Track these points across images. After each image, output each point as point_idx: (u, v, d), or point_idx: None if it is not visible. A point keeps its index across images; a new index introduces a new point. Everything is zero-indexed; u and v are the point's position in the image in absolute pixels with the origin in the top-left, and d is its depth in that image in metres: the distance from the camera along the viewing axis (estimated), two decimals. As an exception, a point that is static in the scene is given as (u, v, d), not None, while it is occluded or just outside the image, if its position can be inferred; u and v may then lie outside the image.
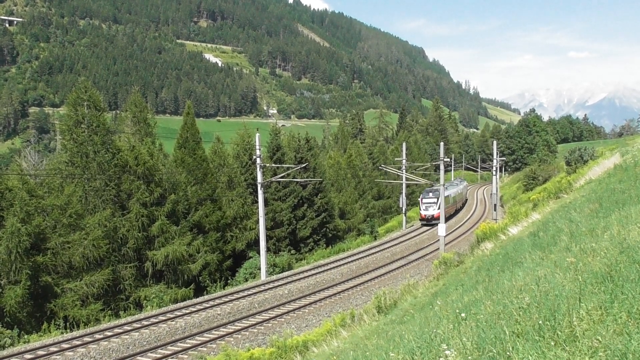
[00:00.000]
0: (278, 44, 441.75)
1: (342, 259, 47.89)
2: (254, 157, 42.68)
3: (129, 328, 27.15)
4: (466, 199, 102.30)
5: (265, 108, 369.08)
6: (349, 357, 12.17)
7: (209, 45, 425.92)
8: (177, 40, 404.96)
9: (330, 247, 55.74)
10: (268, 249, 45.39)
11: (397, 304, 22.46)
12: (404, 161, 68.59)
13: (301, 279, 39.63)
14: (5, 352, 23.72)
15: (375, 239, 60.99)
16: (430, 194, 68.84)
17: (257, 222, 45.16)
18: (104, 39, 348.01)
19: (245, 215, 48.69)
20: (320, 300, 33.16)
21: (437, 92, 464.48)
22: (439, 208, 63.06)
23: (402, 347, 8.34)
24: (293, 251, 52.58)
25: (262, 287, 36.54)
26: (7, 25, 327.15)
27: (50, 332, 28.53)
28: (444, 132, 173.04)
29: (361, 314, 23.27)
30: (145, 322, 28.22)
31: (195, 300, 33.87)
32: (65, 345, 24.36)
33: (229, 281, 43.75)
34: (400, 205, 67.75)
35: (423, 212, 69.02)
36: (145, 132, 45.11)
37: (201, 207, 44.51)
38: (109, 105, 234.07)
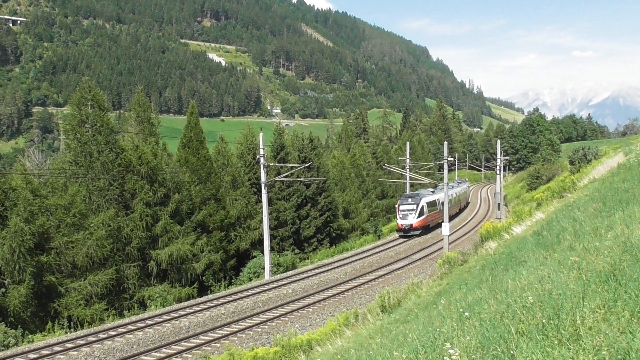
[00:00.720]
0: (282, 43, 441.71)
1: (345, 258, 47.91)
2: (258, 156, 42.72)
3: (133, 327, 27.20)
4: (468, 202, 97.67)
5: (269, 107, 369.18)
6: (352, 357, 12.17)
7: (213, 44, 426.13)
8: (181, 40, 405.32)
9: (334, 246, 55.73)
10: (272, 249, 45.41)
11: (401, 303, 22.45)
12: (407, 160, 68.60)
13: (305, 278, 39.66)
14: (9, 352, 23.78)
15: (379, 238, 61.02)
16: (409, 200, 59.92)
17: (261, 221, 45.24)
18: (107, 39, 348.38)
19: (249, 214, 48.71)
20: (324, 299, 33.18)
21: (441, 91, 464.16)
22: (419, 216, 58.29)
23: (406, 346, 8.34)
24: (297, 250, 52.58)
25: (266, 287, 36.57)
26: (10, 25, 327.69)
27: (54, 332, 28.59)
28: (447, 131, 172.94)
29: (365, 313, 23.27)
30: (149, 322, 28.27)
31: (199, 300, 33.93)
32: (69, 345, 24.42)
33: (232, 280, 43.78)
34: (404, 205, 67.70)
35: (400, 222, 59.44)
36: (149, 131, 45.13)
37: (205, 206, 44.54)
38: (112, 104, 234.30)
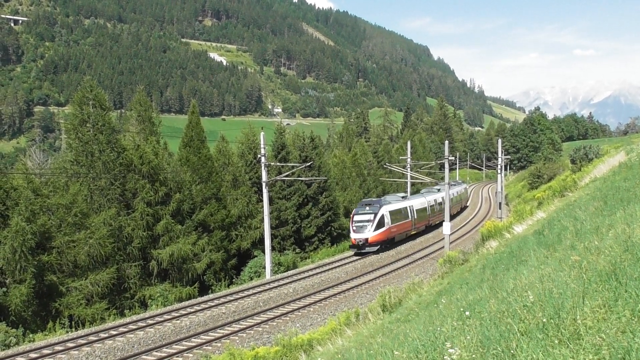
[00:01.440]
0: (283, 42, 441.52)
1: (347, 257, 47.93)
2: (259, 155, 42.73)
3: (134, 327, 27.23)
4: (465, 206, 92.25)
5: (270, 107, 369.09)
6: (353, 356, 12.17)
7: (214, 44, 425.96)
8: (182, 39, 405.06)
9: (335, 245, 55.72)
10: (273, 248, 45.41)
11: (402, 303, 22.46)
12: (408, 160, 68.57)
13: (306, 277, 39.67)
14: (10, 351, 23.81)
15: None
16: (367, 208, 49.13)
17: (262, 220, 45.25)
18: (108, 38, 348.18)
19: (250, 214, 48.72)
20: (325, 298, 33.18)
21: (442, 90, 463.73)
22: (376, 228, 47.58)
23: (406, 345, 8.34)
24: (298, 250, 52.58)
25: (267, 286, 36.58)
26: (12, 24, 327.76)
27: (56, 331, 28.62)
28: (448, 130, 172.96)
29: (366, 312, 23.27)
30: (150, 321, 28.28)
31: (200, 299, 33.95)
32: (70, 344, 24.44)
33: (233, 280, 43.80)
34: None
35: (352, 235, 48.14)
36: (150, 131, 45.13)
37: (206, 206, 44.53)
38: (114, 104, 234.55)
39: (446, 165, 45.38)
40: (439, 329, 8.43)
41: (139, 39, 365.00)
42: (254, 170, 50.59)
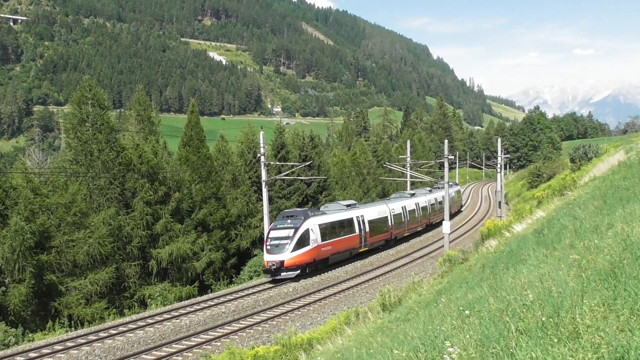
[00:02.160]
0: (282, 42, 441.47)
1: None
2: (258, 155, 42.75)
3: (134, 326, 27.21)
4: (458, 210, 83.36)
5: (269, 106, 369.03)
6: (353, 355, 12.18)
7: (213, 43, 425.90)
8: (182, 39, 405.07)
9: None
10: (272, 247, 45.32)
11: (402, 302, 22.46)
12: (408, 159, 68.64)
13: (305, 277, 39.62)
14: (9, 351, 23.81)
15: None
16: (289, 221, 38.70)
17: (262, 220, 45.28)
18: (108, 38, 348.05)
19: (249, 213, 48.72)
20: (324, 298, 33.17)
21: (442, 89, 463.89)
22: (297, 247, 37.14)
23: (406, 344, 8.34)
24: (298, 249, 52.50)
25: (267, 285, 36.55)
26: (11, 23, 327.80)
27: (55, 331, 28.59)
28: (448, 129, 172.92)
29: (366, 311, 23.27)
30: (149, 321, 28.27)
31: (199, 299, 33.94)
32: (70, 344, 24.42)
33: (233, 279, 43.78)
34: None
35: (265, 257, 37.43)
36: (149, 130, 45.13)
37: (205, 205, 44.53)
38: (113, 103, 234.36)
39: (446, 165, 45.38)
40: (438, 327, 8.43)
41: (138, 38, 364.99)
42: (254, 169, 50.60)
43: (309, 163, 53.28)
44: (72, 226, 32.90)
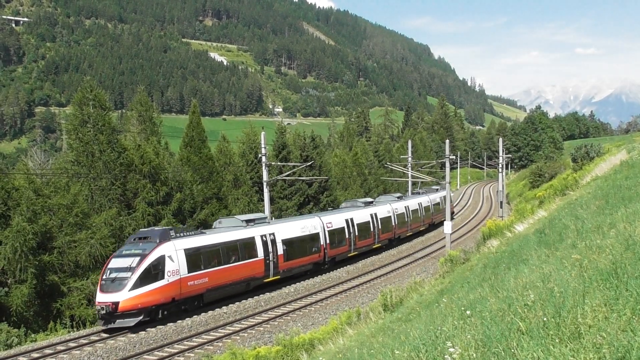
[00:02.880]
0: (283, 42, 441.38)
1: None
2: (260, 155, 42.74)
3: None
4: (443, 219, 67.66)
5: (270, 106, 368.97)
6: (355, 355, 12.18)
7: (215, 44, 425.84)
8: (183, 39, 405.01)
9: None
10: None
11: (403, 302, 22.46)
12: (409, 159, 68.53)
13: (307, 277, 39.62)
14: (12, 351, 23.83)
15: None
16: (140, 245, 28.75)
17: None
18: (109, 39, 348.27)
19: (251, 213, 48.73)
20: (326, 298, 33.22)
21: (443, 89, 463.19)
22: (139, 285, 26.81)
23: (407, 344, 8.34)
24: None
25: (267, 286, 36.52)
26: (13, 25, 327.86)
27: (57, 331, 28.62)
28: (449, 129, 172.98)
29: (367, 311, 23.28)
30: (151, 321, 28.22)
31: (201, 299, 33.83)
32: (72, 344, 24.48)
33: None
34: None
35: (98, 297, 26.93)
36: (151, 131, 45.17)
37: (207, 205, 44.55)
38: (114, 104, 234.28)
39: (447, 165, 45.40)
40: (440, 328, 8.43)
41: (139, 39, 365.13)
42: (255, 169, 50.62)
43: (310, 163, 53.28)
44: (74, 227, 32.93)
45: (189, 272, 29.11)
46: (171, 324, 27.90)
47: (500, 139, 72.48)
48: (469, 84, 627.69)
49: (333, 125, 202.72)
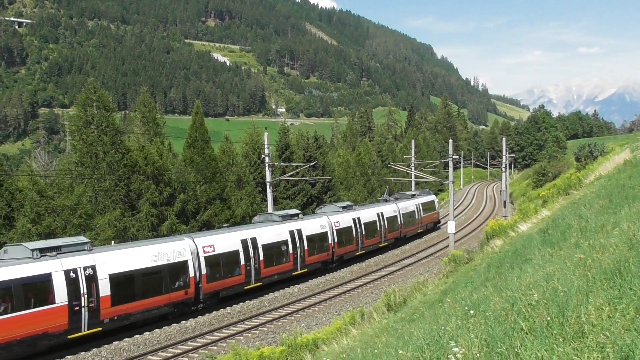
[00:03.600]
0: (286, 42, 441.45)
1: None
2: (263, 155, 42.80)
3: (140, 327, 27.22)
4: (425, 230, 61.04)
5: (273, 107, 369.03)
6: (358, 355, 12.19)
7: (217, 44, 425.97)
8: (185, 40, 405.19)
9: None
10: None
11: (407, 302, 22.46)
12: (412, 159, 68.55)
13: (311, 277, 39.62)
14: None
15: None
16: None
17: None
18: (112, 40, 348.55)
19: (254, 214, 48.69)
20: (330, 298, 33.21)
21: (446, 89, 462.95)
22: None
23: (411, 344, 8.35)
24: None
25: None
26: (16, 26, 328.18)
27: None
28: (452, 129, 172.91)
29: (371, 312, 23.28)
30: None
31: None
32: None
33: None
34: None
35: None
36: (154, 132, 45.24)
37: (210, 206, 44.59)
38: (118, 105, 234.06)
39: (450, 164, 45.37)
40: (443, 327, 8.43)
41: (142, 40, 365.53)
42: (258, 170, 50.65)
43: (313, 163, 53.31)
44: (78, 228, 32.99)
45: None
46: (175, 324, 27.95)
47: (504, 139, 72.46)
48: (472, 83, 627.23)
49: (336, 125, 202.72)
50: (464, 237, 55.26)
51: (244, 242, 33.40)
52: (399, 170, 68.79)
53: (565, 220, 15.63)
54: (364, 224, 45.15)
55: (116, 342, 24.97)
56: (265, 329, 27.34)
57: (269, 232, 35.76)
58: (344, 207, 45.00)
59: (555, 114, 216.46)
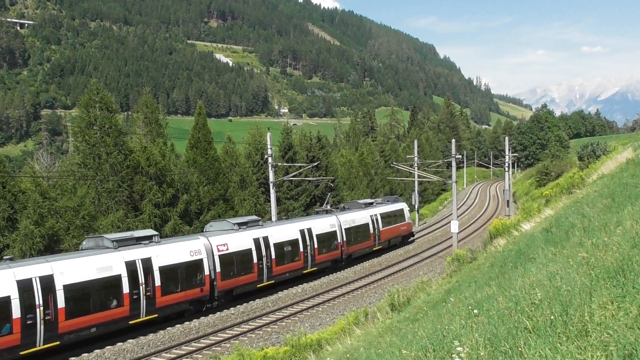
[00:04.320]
0: (288, 43, 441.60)
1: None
2: (266, 156, 42.81)
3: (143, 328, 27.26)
4: (388, 244, 51.07)
5: (276, 107, 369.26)
6: (362, 355, 12.19)
7: (220, 45, 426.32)
8: (188, 41, 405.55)
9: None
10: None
11: (411, 302, 22.45)
12: (415, 159, 68.49)
13: (314, 277, 39.64)
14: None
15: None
16: None
17: (270, 221, 45.25)
18: (114, 41, 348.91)
19: (257, 214, 48.75)
20: (333, 298, 33.21)
21: (449, 89, 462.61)
22: None
23: (414, 344, 8.34)
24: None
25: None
26: (18, 28, 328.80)
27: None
28: (455, 129, 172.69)
29: (375, 311, 23.28)
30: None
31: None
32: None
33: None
34: (413, 203, 67.31)
35: None
36: (157, 132, 45.29)
37: (213, 207, 44.61)
38: (120, 106, 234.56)
39: (453, 164, 45.33)
40: (447, 327, 8.43)
41: (144, 41, 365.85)
42: (261, 170, 50.69)
43: (316, 164, 53.34)
44: (81, 229, 33.04)
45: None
46: (179, 325, 27.98)
47: (507, 138, 72.34)
48: (474, 83, 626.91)
49: (339, 125, 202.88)
50: (467, 237, 55.25)
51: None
52: (402, 170, 68.73)
53: (569, 220, 15.60)
54: (274, 244, 35.26)
55: (120, 344, 24.99)
56: (269, 329, 27.35)
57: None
58: (241, 224, 34.63)
59: (557, 113, 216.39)
